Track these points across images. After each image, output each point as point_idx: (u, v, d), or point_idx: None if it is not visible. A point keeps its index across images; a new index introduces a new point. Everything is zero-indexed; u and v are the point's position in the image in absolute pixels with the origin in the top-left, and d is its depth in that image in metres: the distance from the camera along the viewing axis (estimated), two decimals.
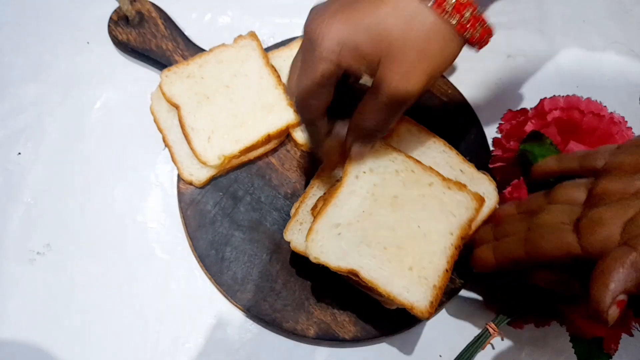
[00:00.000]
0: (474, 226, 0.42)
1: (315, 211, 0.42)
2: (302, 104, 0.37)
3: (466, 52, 0.55)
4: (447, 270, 0.40)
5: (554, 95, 0.47)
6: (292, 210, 0.46)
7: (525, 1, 0.63)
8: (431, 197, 0.42)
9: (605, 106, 0.46)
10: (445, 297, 0.47)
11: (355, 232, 0.40)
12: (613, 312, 0.30)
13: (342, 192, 0.42)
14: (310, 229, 0.40)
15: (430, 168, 0.43)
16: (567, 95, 0.46)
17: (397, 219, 0.41)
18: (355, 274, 0.39)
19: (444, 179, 0.43)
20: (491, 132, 0.52)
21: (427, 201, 0.41)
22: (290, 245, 0.44)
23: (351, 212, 0.41)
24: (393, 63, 0.34)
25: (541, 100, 0.47)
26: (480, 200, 0.42)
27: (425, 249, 0.40)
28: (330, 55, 0.34)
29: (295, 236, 0.44)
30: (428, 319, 0.40)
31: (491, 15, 0.62)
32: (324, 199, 0.42)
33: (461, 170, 0.46)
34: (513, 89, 0.58)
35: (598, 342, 0.40)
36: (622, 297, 0.30)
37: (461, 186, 0.43)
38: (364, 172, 0.42)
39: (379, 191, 0.42)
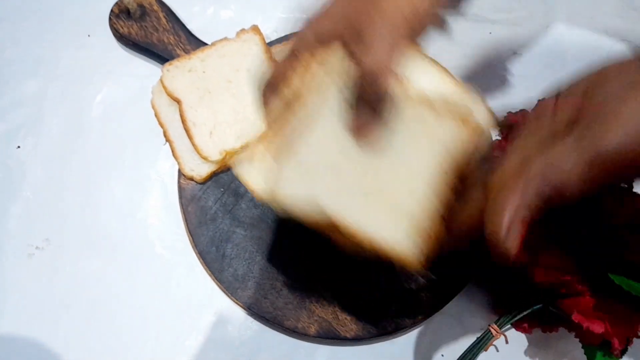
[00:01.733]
0: (471, 159, 0.35)
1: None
2: None
3: (472, 49, 0.55)
4: (442, 216, 0.33)
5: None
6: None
7: None
8: (420, 128, 0.34)
9: None
10: (448, 296, 0.46)
11: (331, 175, 0.33)
12: (514, 234, 0.28)
13: (314, 125, 0.34)
14: (274, 174, 0.33)
15: (421, 93, 0.35)
16: None
17: (381, 159, 0.34)
18: (334, 226, 0.32)
19: (434, 107, 0.35)
20: (496, 130, 0.51)
21: (414, 133, 0.34)
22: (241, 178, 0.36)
23: (327, 151, 0.34)
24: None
25: (538, 101, 0.47)
26: (478, 129, 0.34)
27: (414, 191, 0.33)
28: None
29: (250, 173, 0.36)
30: (420, 270, 0.35)
31: (496, 11, 0.62)
32: (285, 136, 0.34)
33: (455, 97, 0.38)
34: (518, 86, 0.57)
35: (608, 346, 0.40)
36: (524, 213, 0.28)
37: (454, 115, 0.34)
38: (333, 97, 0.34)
39: None
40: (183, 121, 0.49)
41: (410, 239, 0.32)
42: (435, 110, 0.35)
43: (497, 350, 0.46)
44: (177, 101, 0.50)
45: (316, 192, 0.33)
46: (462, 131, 0.34)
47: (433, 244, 0.33)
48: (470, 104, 0.37)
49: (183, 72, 0.51)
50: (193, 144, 0.49)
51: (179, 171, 0.50)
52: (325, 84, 0.34)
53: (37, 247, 0.48)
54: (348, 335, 0.45)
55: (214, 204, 0.49)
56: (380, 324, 0.45)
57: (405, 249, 0.32)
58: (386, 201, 0.33)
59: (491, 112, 0.38)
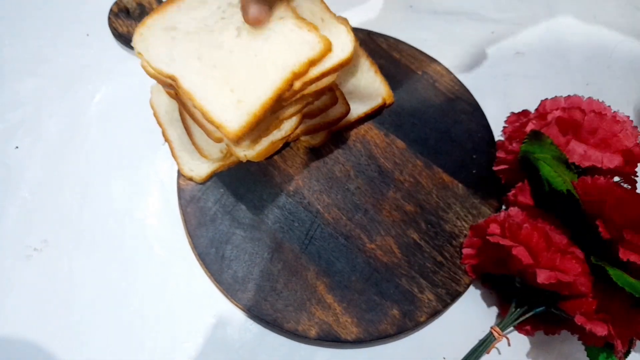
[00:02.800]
0: (320, 72, 0.40)
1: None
2: None
3: (475, 48, 0.54)
4: (270, 100, 0.39)
5: (556, 96, 0.46)
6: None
7: None
8: (278, 31, 0.40)
9: (608, 106, 0.45)
10: (450, 298, 0.46)
11: (190, 43, 0.39)
12: None
13: None
14: (142, 22, 0.39)
15: (288, 3, 0.41)
16: (569, 96, 0.46)
17: (237, 44, 0.39)
18: (174, 81, 0.38)
19: (298, 16, 0.41)
20: (499, 130, 0.51)
21: (272, 34, 0.40)
22: (141, 63, 0.41)
23: (194, 21, 0.39)
24: None
25: (542, 101, 0.46)
26: (328, 44, 0.40)
27: (255, 76, 0.39)
28: None
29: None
30: (236, 142, 0.39)
31: (499, 11, 0.61)
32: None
33: (322, 19, 0.43)
34: (521, 86, 0.57)
35: (611, 348, 0.40)
36: None
37: (313, 27, 0.40)
38: None
39: (230, 12, 0.40)
40: (186, 110, 0.44)
41: (235, 115, 0.37)
42: (298, 20, 0.40)
43: (500, 353, 0.45)
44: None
45: (171, 51, 0.38)
46: (315, 41, 0.39)
47: (253, 121, 0.38)
48: (334, 26, 0.42)
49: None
50: (193, 143, 0.48)
51: (178, 171, 0.49)
52: None
53: (35, 249, 0.48)
54: (349, 338, 0.44)
55: (214, 205, 0.48)
56: (382, 327, 0.45)
57: (228, 121, 0.37)
58: (230, 77, 0.38)
59: (352, 34, 0.42)
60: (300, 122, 0.46)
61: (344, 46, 0.41)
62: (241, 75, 0.39)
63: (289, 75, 0.39)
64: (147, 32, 0.39)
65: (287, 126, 0.44)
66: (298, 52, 0.39)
